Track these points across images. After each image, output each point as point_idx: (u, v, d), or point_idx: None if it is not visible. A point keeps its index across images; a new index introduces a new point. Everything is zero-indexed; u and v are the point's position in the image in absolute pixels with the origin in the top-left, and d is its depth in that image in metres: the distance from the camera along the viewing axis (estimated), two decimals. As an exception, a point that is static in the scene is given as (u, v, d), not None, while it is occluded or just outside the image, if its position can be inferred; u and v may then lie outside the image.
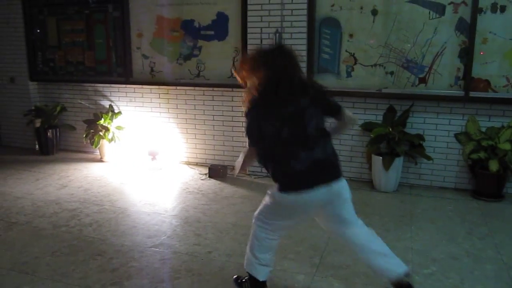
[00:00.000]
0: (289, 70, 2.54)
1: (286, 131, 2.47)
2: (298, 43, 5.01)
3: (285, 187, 2.51)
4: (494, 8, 4.51)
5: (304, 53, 5.01)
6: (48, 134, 6.33)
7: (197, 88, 5.71)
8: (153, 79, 5.94)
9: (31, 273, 3.15)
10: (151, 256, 3.42)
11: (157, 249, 3.52)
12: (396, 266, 2.64)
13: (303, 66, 5.00)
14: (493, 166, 4.39)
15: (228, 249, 3.51)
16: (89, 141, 6.02)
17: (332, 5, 4.99)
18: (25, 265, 3.26)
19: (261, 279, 2.78)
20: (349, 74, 5.09)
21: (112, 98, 6.20)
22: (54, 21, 6.31)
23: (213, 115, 5.71)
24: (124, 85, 6.07)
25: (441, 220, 4.12)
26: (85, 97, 6.36)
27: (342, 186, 2.56)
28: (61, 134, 6.54)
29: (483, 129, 4.67)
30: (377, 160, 4.83)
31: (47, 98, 6.60)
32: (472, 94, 4.69)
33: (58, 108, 6.34)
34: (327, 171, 2.52)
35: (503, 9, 4.50)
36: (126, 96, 6.11)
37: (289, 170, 2.49)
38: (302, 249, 3.50)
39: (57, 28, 6.32)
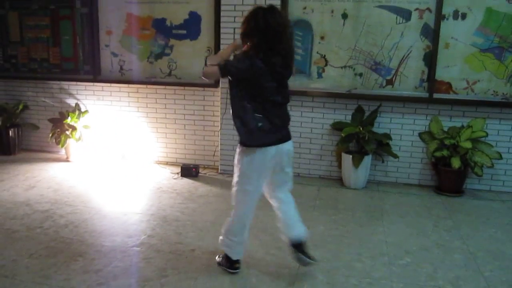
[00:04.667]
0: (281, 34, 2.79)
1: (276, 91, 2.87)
2: (270, 44, 5.12)
3: (256, 140, 2.90)
4: (456, 15, 4.81)
5: (276, 54, 5.11)
6: (10, 133, 6.10)
7: (168, 87, 5.70)
8: (122, 78, 5.87)
9: (11, 277, 3.07)
10: (134, 255, 3.41)
11: (138, 248, 3.52)
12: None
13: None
14: (455, 163, 4.68)
15: (210, 246, 3.56)
16: (54, 141, 5.86)
17: (304, 8, 5.13)
18: (3, 269, 3.16)
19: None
20: (320, 75, 5.26)
21: (79, 97, 6.07)
22: (16, 16, 6.09)
23: (184, 114, 5.72)
24: (91, 83, 5.96)
25: (409, 215, 4.35)
26: (49, 95, 6.19)
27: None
28: (23, 133, 6.33)
29: (445, 129, 4.96)
30: (347, 158, 5.02)
31: (8, 96, 6.36)
32: (435, 95, 4.97)
33: (20, 106, 6.13)
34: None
35: (464, 16, 4.81)
36: (94, 95, 6.00)
37: (266, 125, 2.87)
38: (283, 245, 3.57)
39: (19, 23, 6.10)
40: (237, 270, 3.15)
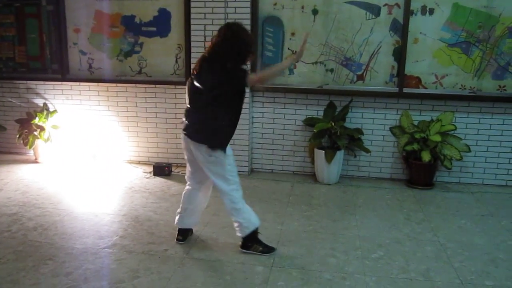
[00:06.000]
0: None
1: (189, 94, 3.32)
2: (242, 41, 5.09)
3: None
4: (424, 10, 4.89)
5: (248, 50, 5.10)
6: (-25, 135, 5.92)
7: (138, 85, 5.61)
8: (91, 76, 5.75)
9: (-23, 283, 2.98)
10: (106, 257, 3.35)
11: (110, 250, 3.46)
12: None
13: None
14: (426, 156, 4.76)
15: (184, 245, 3.52)
16: (22, 142, 5.71)
17: (275, 4, 5.13)
18: (-32, 275, 3.08)
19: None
20: (291, 71, 5.27)
21: (47, 96, 5.91)
22: (-21, 14, 5.91)
23: (156, 113, 5.64)
24: (60, 82, 5.81)
25: (381, 208, 4.40)
26: (16, 95, 6.01)
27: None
28: (-11, 134, 6.15)
29: (415, 123, 5.04)
30: (320, 154, 5.05)
31: (-28, 97, 6.17)
32: (405, 90, 5.04)
33: (-14, 107, 5.95)
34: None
35: (431, 11, 4.89)
36: (62, 94, 5.86)
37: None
38: (257, 242, 3.60)
39: (-18, 21, 5.93)
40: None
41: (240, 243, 3.44)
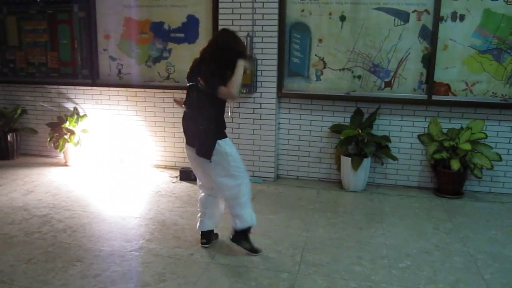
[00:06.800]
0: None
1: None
2: (269, 47, 5.12)
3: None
4: (454, 16, 4.82)
5: (275, 57, 5.12)
6: (8, 138, 6.09)
7: (166, 90, 5.68)
8: (120, 81, 5.86)
9: (9, 282, 3.05)
10: (133, 260, 3.39)
11: (137, 253, 3.50)
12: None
13: (273, 69, 5.13)
14: (455, 165, 4.67)
15: (209, 250, 3.54)
16: (52, 145, 5.85)
17: (302, 11, 5.13)
18: (1, 274, 3.14)
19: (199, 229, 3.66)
20: (318, 78, 5.25)
21: (77, 101, 6.06)
22: (14, 20, 6.10)
23: (183, 118, 5.70)
24: (90, 87, 5.96)
25: (409, 217, 4.33)
26: (47, 100, 6.18)
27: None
28: (21, 138, 6.31)
29: (444, 131, 4.95)
30: (346, 161, 5.01)
31: (6, 101, 6.36)
32: (434, 97, 4.96)
33: (19, 111, 6.12)
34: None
35: (462, 17, 4.81)
36: (92, 99, 5.99)
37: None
38: (282, 248, 3.59)
39: (17, 27, 6.11)
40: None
41: (231, 234, 3.51)
